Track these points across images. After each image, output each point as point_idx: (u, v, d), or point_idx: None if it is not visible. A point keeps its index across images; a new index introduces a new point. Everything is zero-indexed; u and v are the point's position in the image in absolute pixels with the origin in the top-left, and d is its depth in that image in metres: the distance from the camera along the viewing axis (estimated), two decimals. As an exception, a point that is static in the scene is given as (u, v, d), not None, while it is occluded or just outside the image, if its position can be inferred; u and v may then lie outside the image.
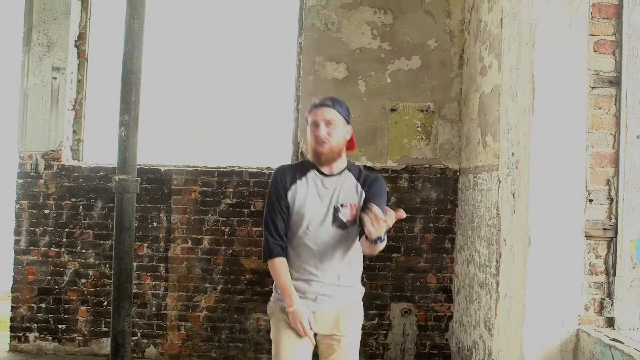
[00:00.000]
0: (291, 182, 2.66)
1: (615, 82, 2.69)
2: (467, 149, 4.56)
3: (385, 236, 2.37)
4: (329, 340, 2.67)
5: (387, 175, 4.76)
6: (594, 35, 2.69)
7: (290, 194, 2.65)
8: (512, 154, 2.88)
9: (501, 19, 3.30)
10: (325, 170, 2.66)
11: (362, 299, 2.81)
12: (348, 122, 2.68)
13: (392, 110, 4.83)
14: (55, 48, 4.90)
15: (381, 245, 2.43)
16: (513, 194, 2.85)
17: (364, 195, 2.63)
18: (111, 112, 5.23)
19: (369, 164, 4.75)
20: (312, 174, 2.68)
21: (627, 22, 2.67)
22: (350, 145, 2.75)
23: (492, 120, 3.92)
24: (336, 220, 2.60)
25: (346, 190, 2.65)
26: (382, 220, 2.22)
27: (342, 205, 2.62)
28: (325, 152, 2.60)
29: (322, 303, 2.64)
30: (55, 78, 4.90)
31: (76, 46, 5.02)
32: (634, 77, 2.66)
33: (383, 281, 4.79)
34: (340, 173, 2.68)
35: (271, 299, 2.83)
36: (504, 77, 3.07)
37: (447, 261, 4.81)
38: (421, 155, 4.83)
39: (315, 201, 2.63)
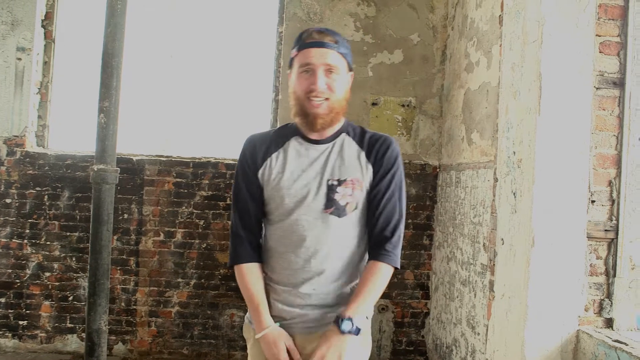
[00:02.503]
0: (263, 156, 1.95)
1: (619, 83, 2.69)
2: (449, 145, 4.54)
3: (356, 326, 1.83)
4: None
5: (367, 170, 4.69)
6: (599, 36, 2.68)
7: (261, 173, 1.94)
8: (514, 152, 2.85)
9: (499, 15, 3.27)
10: (313, 135, 1.95)
11: None
12: (350, 69, 1.99)
13: (374, 104, 4.76)
14: (21, 27, 4.61)
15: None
16: (514, 193, 2.82)
17: (370, 169, 1.91)
18: (79, 97, 4.99)
19: (349, 158, 4.67)
20: (294, 142, 1.96)
21: (633, 23, 2.67)
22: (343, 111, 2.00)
23: (480, 118, 3.91)
24: (331, 203, 1.88)
25: (345, 161, 1.93)
26: None
27: (338, 182, 1.90)
28: (322, 113, 1.88)
29: (310, 331, 1.93)
30: (19, 59, 4.61)
31: (43, 26, 4.74)
32: (638, 79, 2.67)
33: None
34: (334, 137, 1.97)
35: (245, 318, 2.09)
36: (504, 74, 3.04)
37: (424, 258, 4.80)
38: (401, 150, 4.76)
39: (299, 179, 1.91)
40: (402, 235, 2.05)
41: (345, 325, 1.81)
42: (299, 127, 1.97)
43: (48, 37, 4.79)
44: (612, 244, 2.69)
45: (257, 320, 1.93)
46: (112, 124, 3.37)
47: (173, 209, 4.67)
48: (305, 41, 1.91)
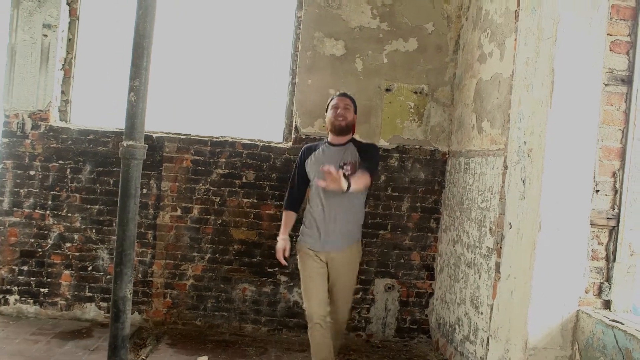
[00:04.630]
0: (308, 154, 3.83)
1: (627, 80, 2.85)
2: (459, 132, 4.70)
3: (349, 184, 3.27)
4: (336, 271, 3.67)
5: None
6: (610, 35, 2.83)
7: (308, 162, 3.80)
8: (525, 142, 3.01)
9: (515, 10, 3.40)
10: (335, 142, 3.77)
11: None
12: (355, 113, 3.82)
13: (387, 90, 4.91)
14: (47, 4, 4.74)
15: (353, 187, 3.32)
16: (523, 181, 2.99)
17: (357, 156, 3.66)
18: (101, 74, 5.14)
19: (362, 142, 4.81)
20: (324, 146, 3.81)
21: (643, 24, 2.81)
22: (352, 129, 3.81)
23: (491, 108, 4.06)
24: (342, 173, 3.37)
25: (349, 154, 3.69)
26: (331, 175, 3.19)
27: (344, 164, 3.62)
28: (342, 125, 3.71)
29: (333, 245, 3.64)
30: (46, 35, 4.75)
31: (68, 4, 4.87)
32: (645, 77, 2.82)
33: (369, 257, 4.91)
34: (345, 144, 3.76)
35: (298, 239, 3.82)
36: (518, 68, 3.19)
37: (431, 240, 4.98)
38: (412, 136, 4.94)
39: (326, 161, 3.58)
40: (376, 168, 3.83)
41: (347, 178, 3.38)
42: (329, 140, 3.83)
43: (72, 14, 4.92)
44: (614, 231, 2.87)
45: (281, 231, 3.86)
46: (141, 102, 3.52)
47: (190, 185, 4.85)
48: (336, 95, 3.87)
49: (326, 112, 3.83)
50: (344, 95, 3.84)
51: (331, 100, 3.82)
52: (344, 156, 3.68)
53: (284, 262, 3.77)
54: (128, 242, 3.58)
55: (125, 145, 3.54)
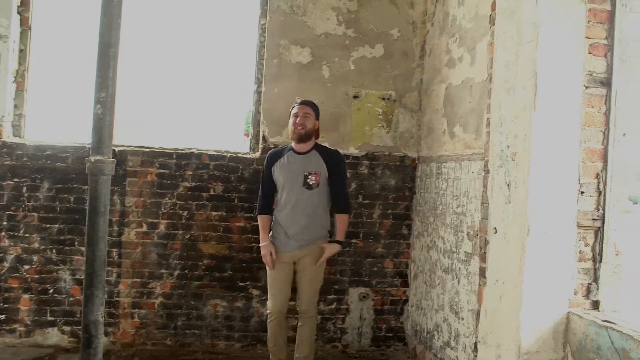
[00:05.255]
0: (274, 160, 3.98)
1: (606, 82, 2.88)
2: (429, 138, 4.69)
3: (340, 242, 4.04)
4: (302, 268, 3.94)
5: (348, 161, 4.79)
6: (589, 38, 2.86)
7: (274, 169, 3.95)
8: (507, 146, 3.01)
9: (490, 14, 3.41)
10: (298, 149, 3.92)
11: (322, 285, 4.15)
12: (317, 118, 3.99)
13: (355, 97, 4.87)
14: (-4, 14, 4.48)
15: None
16: (508, 185, 2.98)
17: (324, 167, 3.88)
18: (56, 87, 4.90)
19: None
20: (289, 154, 3.95)
21: (619, 27, 2.86)
22: (315, 135, 4.01)
23: (463, 112, 4.07)
24: (305, 183, 3.85)
25: (313, 163, 3.89)
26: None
27: (309, 173, 3.86)
28: (301, 133, 3.88)
29: (297, 245, 3.88)
30: (-5, 47, 4.49)
31: (18, 12, 4.62)
32: (623, 79, 2.86)
33: (342, 266, 4.85)
34: (308, 151, 3.93)
35: (268, 239, 4.00)
36: (497, 72, 3.19)
37: (403, 247, 4.95)
38: (382, 142, 4.91)
39: (291, 170, 3.89)
40: (346, 184, 4.16)
41: (342, 243, 4.07)
42: (292, 147, 3.97)
43: (24, 24, 4.67)
44: (599, 231, 2.89)
45: (261, 237, 3.99)
46: (108, 114, 3.35)
47: (156, 200, 4.66)
48: (296, 103, 4.01)
49: (289, 118, 3.97)
50: (303, 103, 3.98)
51: (292, 108, 3.96)
52: (309, 165, 3.87)
53: (272, 268, 3.92)
54: (98, 262, 3.39)
55: (92, 161, 3.35)
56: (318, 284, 4.03)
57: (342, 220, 4.02)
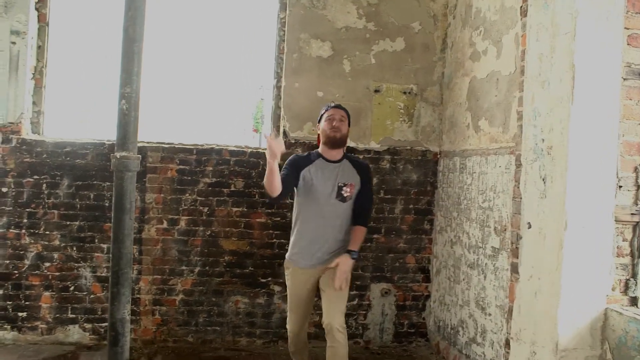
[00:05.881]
0: (305, 164, 3.52)
1: (645, 74, 2.82)
2: (452, 132, 4.64)
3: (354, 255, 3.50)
4: (327, 279, 3.48)
5: (369, 156, 4.76)
6: (627, 29, 2.80)
7: (304, 173, 3.49)
8: (542, 140, 2.95)
9: (521, 6, 3.35)
10: (329, 157, 3.56)
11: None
12: (349, 125, 3.65)
13: (376, 91, 4.81)
14: (14, 9, 4.44)
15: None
16: (543, 179, 2.93)
17: (357, 179, 3.56)
18: (74, 83, 4.86)
19: (352, 144, 4.70)
20: (319, 161, 3.55)
21: (658, 17, 2.80)
22: (344, 143, 3.64)
23: (488, 106, 4.01)
24: (339, 195, 3.50)
25: (347, 174, 3.55)
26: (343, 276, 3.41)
27: (344, 184, 3.51)
28: (337, 137, 3.51)
29: (323, 262, 3.50)
30: (14, 43, 4.45)
31: (36, 9, 4.58)
32: (662, 70, 2.81)
33: (364, 262, 4.80)
34: (340, 160, 3.59)
35: (286, 255, 3.66)
36: (529, 65, 3.13)
37: (425, 242, 4.91)
38: (403, 137, 4.86)
39: (323, 179, 3.49)
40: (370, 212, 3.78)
41: (353, 254, 3.49)
42: (321, 153, 3.59)
43: (42, 20, 4.63)
44: (637, 226, 2.84)
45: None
46: (133, 110, 3.31)
47: (176, 196, 4.63)
48: (331, 106, 3.64)
49: (318, 122, 3.64)
50: (339, 106, 3.63)
51: (325, 110, 3.61)
52: (342, 175, 3.53)
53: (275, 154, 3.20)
54: (125, 260, 3.35)
55: (118, 157, 3.31)
56: (346, 297, 3.59)
57: (361, 232, 3.59)
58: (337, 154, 3.58)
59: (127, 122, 3.30)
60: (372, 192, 3.77)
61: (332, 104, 3.67)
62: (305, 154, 3.69)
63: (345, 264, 3.40)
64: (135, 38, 3.30)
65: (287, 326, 3.69)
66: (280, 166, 3.32)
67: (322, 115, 3.61)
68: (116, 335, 3.36)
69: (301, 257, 3.55)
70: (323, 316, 3.47)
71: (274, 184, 3.27)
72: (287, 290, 3.67)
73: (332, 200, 3.49)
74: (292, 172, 3.49)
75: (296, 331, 3.64)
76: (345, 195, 3.49)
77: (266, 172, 3.25)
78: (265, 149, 3.24)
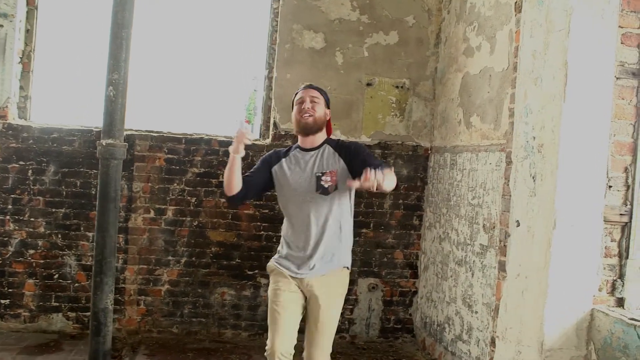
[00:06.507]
0: (277, 160, 3.00)
1: (638, 74, 2.80)
2: (443, 127, 4.61)
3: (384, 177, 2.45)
4: (313, 303, 2.88)
5: (360, 150, 4.72)
6: (621, 27, 2.78)
7: (275, 170, 2.98)
8: (533, 137, 2.93)
9: (516, 2, 3.32)
10: (306, 145, 2.97)
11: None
12: (327, 107, 3.03)
13: (368, 84, 4.77)
14: (2, -9, 4.36)
15: (388, 182, 2.50)
16: (533, 177, 2.90)
17: (341, 162, 2.89)
18: (62, 68, 4.78)
19: (342, 137, 4.65)
20: (295, 152, 3.00)
21: (653, 16, 2.77)
22: (328, 130, 3.04)
23: (480, 102, 3.98)
24: (319, 187, 2.86)
25: (325, 160, 2.92)
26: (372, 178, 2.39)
27: (322, 173, 2.87)
28: (309, 122, 2.91)
29: (311, 271, 2.86)
30: (1, 26, 4.37)
31: (25, -9, 4.50)
32: (655, 70, 2.78)
33: (352, 257, 4.76)
34: (319, 147, 2.97)
35: (272, 259, 3.06)
36: (522, 61, 3.10)
37: (414, 238, 4.88)
38: (394, 131, 4.82)
39: (298, 172, 2.93)
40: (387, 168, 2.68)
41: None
42: (298, 144, 3.01)
43: (31, 3, 4.55)
44: (626, 227, 2.82)
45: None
46: (120, 97, 3.28)
47: (164, 185, 4.58)
48: (301, 88, 3.02)
49: (292, 109, 3.03)
50: (310, 86, 3.02)
51: (295, 95, 3.03)
52: (320, 163, 2.89)
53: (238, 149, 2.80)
54: (109, 249, 3.33)
55: (104, 144, 3.28)
56: (334, 325, 2.94)
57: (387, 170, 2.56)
58: (316, 140, 2.94)
59: (113, 109, 3.27)
60: (370, 155, 2.87)
61: (303, 85, 3.08)
62: (284, 148, 3.13)
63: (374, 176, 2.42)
64: (124, 24, 3.26)
65: (267, 351, 2.88)
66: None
67: (292, 100, 3.03)
68: (98, 325, 3.34)
69: (285, 263, 2.93)
70: (305, 350, 2.93)
71: (231, 182, 2.83)
72: (268, 300, 2.99)
73: (311, 194, 2.85)
74: (261, 170, 3.00)
75: (278, 353, 2.80)
76: (326, 185, 2.82)
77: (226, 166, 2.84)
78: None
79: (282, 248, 3.00)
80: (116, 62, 3.21)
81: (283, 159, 2.99)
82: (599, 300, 2.81)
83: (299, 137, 3.00)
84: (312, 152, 2.94)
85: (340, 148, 2.94)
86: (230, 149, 2.80)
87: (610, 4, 2.73)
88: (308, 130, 2.92)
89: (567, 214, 2.73)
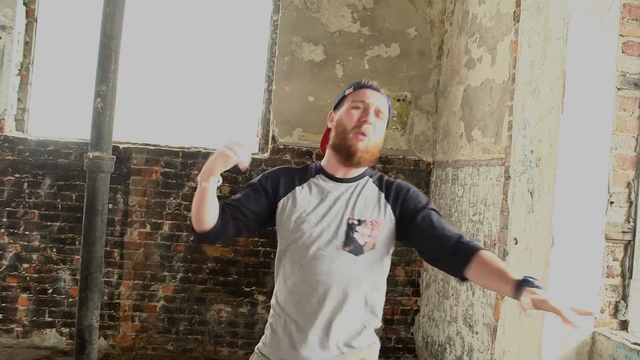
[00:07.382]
0: (286, 187, 1.94)
1: (640, 84, 2.68)
2: (445, 142, 4.50)
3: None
4: None
5: (360, 164, 4.62)
6: (622, 36, 2.66)
7: (284, 202, 1.92)
8: (531, 151, 2.81)
9: (514, 11, 3.22)
10: (337, 173, 1.92)
11: None
12: (387, 124, 1.99)
13: (369, 97, 4.67)
14: (1, 3, 4.36)
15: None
16: (531, 193, 2.78)
17: (388, 211, 1.88)
18: (61, 81, 4.77)
19: (343, 152, 4.55)
20: (318, 179, 1.94)
21: (655, 24, 2.65)
22: (323, 143, 2.06)
23: (481, 115, 3.87)
24: (350, 241, 1.83)
25: (365, 202, 1.89)
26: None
27: (359, 222, 1.85)
28: (360, 148, 1.85)
29: (321, 354, 1.85)
30: (0, 37, 4.36)
31: (24, 4, 4.49)
32: (658, 81, 2.66)
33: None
34: (357, 178, 1.93)
35: (255, 349, 1.99)
36: (520, 72, 2.99)
37: (415, 255, 4.75)
38: (396, 145, 4.72)
39: (320, 214, 1.88)
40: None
41: (535, 281, 1.61)
42: (323, 166, 1.97)
43: (30, 15, 4.54)
44: (629, 245, 2.68)
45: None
46: (109, 109, 3.21)
47: (160, 199, 4.51)
48: (362, 85, 1.97)
49: (334, 110, 1.98)
50: (377, 90, 1.97)
51: (350, 90, 1.97)
52: (357, 205, 1.88)
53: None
54: (94, 264, 3.24)
55: (90, 157, 3.20)
56: None
57: (492, 257, 1.74)
58: (356, 170, 1.93)
59: (101, 121, 3.20)
60: (438, 214, 1.90)
61: (367, 83, 1.99)
62: (301, 167, 2.05)
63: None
64: (113, 35, 3.20)
65: None
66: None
67: (345, 96, 1.98)
68: (82, 342, 3.24)
69: (279, 350, 1.90)
70: None
71: (201, 211, 1.90)
72: None
73: (335, 250, 1.84)
74: (257, 196, 1.94)
75: None
76: (361, 242, 1.83)
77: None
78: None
79: (272, 330, 1.93)
80: (104, 74, 3.15)
81: (297, 187, 1.94)
82: (601, 322, 2.66)
83: (330, 157, 1.95)
84: (347, 185, 1.92)
85: (389, 188, 1.93)
86: (208, 166, 1.92)
87: (610, 12, 2.61)
88: (353, 157, 1.86)
89: (566, 231, 2.60)
